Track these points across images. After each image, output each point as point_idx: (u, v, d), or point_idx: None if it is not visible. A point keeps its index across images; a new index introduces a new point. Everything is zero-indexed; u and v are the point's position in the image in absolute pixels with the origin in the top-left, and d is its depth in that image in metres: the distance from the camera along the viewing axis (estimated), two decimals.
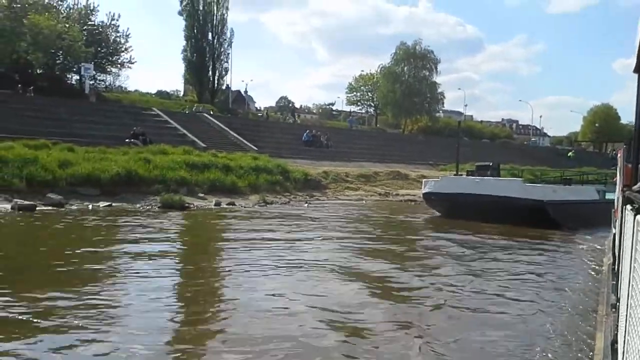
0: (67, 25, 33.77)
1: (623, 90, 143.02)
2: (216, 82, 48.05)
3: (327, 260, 9.59)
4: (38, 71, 34.22)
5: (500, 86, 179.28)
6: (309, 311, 6.45)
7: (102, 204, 16.19)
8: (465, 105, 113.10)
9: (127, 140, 24.30)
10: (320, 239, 12.33)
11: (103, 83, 41.40)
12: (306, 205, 20.86)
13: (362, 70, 70.71)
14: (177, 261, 9.68)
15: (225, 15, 47.24)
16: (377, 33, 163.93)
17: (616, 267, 6.29)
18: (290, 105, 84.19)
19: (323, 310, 6.50)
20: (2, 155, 16.50)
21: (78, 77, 37.96)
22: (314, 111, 75.56)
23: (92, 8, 38.83)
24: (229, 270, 8.74)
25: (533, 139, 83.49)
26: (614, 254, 7.35)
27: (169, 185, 18.50)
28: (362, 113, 73.03)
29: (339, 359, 5.13)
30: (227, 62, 48.15)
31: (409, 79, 57.22)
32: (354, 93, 71.02)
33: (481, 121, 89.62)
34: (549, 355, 5.35)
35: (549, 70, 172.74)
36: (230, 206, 18.56)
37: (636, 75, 4.23)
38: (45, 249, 10.15)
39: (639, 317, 2.46)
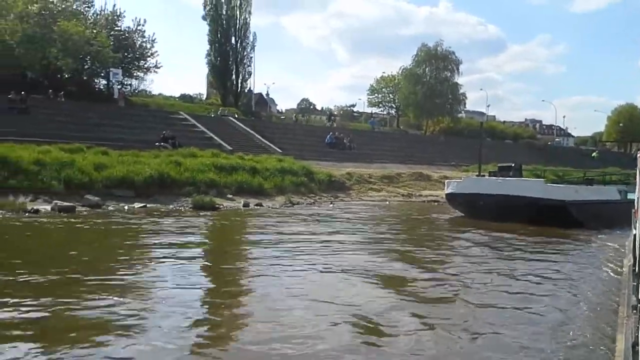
0: (94, 31, 34.37)
1: None
2: (239, 85, 48.56)
3: (357, 263, 9.56)
4: (66, 76, 34.79)
5: (524, 86, 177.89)
6: (336, 313, 6.44)
7: (137, 205, 16.79)
8: (488, 106, 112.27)
9: (157, 143, 24.99)
10: (350, 241, 12.45)
11: (129, 87, 42.07)
12: (331, 205, 21.32)
13: (384, 72, 70.68)
14: (211, 258, 10.21)
15: (248, 19, 47.75)
16: (396, 34, 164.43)
17: (637, 268, 6.29)
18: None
19: (352, 315, 6.38)
20: (40, 159, 17.09)
21: (106, 82, 38.65)
22: (335, 113, 75.67)
23: (118, 14, 39.28)
24: (263, 263, 9.39)
25: (557, 139, 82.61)
26: (634, 254, 7.22)
27: (199, 187, 19.11)
28: (383, 114, 73.06)
29: None
30: (250, 65, 48.69)
31: (430, 80, 57.24)
32: (375, 95, 70.94)
33: (504, 121, 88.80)
34: (569, 356, 5.39)
35: (574, 70, 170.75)
36: (258, 207, 19.11)
37: None
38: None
39: None
